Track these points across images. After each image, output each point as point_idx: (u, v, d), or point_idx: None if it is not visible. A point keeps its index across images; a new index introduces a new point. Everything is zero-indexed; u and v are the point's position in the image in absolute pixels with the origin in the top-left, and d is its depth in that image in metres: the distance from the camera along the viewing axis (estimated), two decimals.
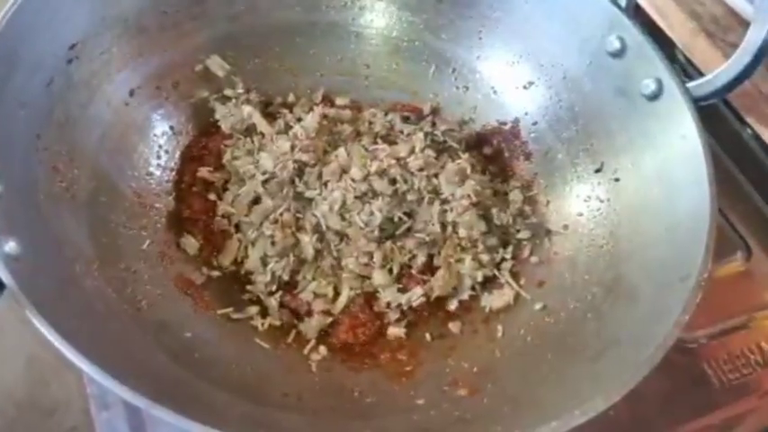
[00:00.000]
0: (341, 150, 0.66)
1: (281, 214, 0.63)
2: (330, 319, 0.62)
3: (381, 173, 0.64)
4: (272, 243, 0.63)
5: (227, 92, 0.71)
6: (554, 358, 0.57)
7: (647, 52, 0.62)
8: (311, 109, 0.70)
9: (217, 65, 0.71)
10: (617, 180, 0.65)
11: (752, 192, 0.78)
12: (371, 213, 0.63)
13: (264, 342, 0.60)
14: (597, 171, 0.66)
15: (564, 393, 0.51)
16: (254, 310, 0.62)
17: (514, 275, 0.66)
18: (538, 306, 0.63)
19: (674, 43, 0.71)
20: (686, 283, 0.51)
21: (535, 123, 0.72)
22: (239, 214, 0.65)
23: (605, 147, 0.66)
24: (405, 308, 0.63)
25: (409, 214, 0.65)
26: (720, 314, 0.68)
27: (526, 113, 0.72)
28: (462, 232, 0.64)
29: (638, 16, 0.69)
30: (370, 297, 0.63)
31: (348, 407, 0.56)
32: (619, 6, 0.64)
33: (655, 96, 0.61)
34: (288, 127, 0.69)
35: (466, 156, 0.69)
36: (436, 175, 0.66)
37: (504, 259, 0.66)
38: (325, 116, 0.69)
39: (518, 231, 0.67)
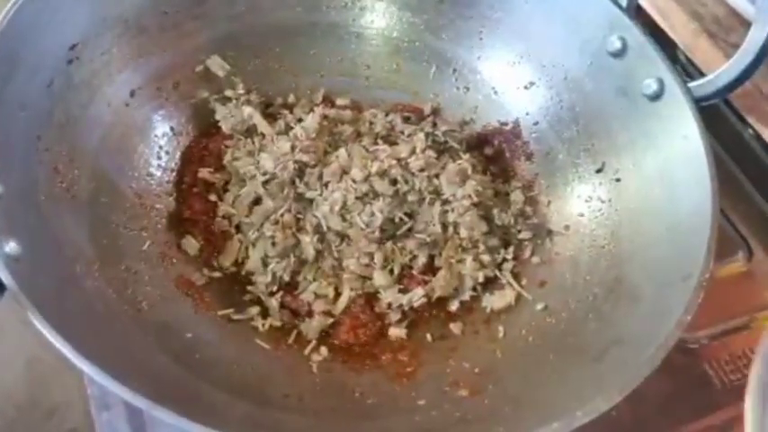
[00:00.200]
0: (341, 151, 0.66)
1: (282, 215, 0.63)
2: (331, 320, 0.62)
3: (382, 173, 0.64)
4: (273, 244, 0.62)
5: (228, 92, 0.71)
6: (555, 359, 0.57)
7: (649, 52, 0.62)
8: (312, 109, 0.70)
9: (217, 65, 0.71)
10: (618, 180, 0.65)
11: (753, 192, 0.77)
12: (372, 214, 0.63)
13: (265, 343, 0.60)
14: (598, 171, 0.66)
15: (565, 394, 0.51)
16: (254, 310, 0.62)
17: (516, 276, 0.66)
18: (539, 306, 0.63)
19: (676, 44, 0.70)
20: (688, 284, 0.51)
21: (536, 124, 0.72)
22: (240, 215, 0.65)
23: (606, 147, 0.66)
24: (406, 308, 0.63)
25: (410, 215, 0.65)
26: (722, 314, 0.68)
27: (527, 114, 0.72)
28: (463, 233, 0.64)
29: (639, 17, 0.69)
30: (371, 298, 0.63)
31: (349, 407, 0.56)
32: (620, 7, 0.64)
33: (656, 96, 0.61)
34: (288, 128, 0.69)
35: (467, 156, 0.69)
36: (437, 176, 0.66)
37: (505, 260, 0.66)
38: (325, 117, 0.68)
39: (519, 232, 0.67)
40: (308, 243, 0.63)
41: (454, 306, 0.64)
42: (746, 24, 0.62)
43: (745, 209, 0.76)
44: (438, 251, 0.65)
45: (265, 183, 0.64)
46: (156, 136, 0.68)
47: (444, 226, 0.64)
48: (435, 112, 0.75)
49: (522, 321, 0.62)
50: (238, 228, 0.65)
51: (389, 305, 0.63)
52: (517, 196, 0.69)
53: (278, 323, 0.61)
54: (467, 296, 0.64)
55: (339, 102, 0.75)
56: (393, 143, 0.69)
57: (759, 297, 0.71)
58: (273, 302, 0.62)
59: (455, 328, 0.63)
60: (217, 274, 0.63)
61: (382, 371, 0.60)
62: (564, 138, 0.69)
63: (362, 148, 0.67)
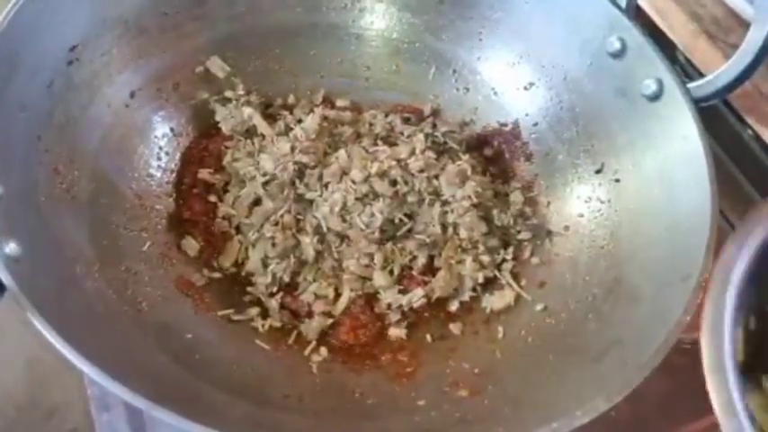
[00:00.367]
0: (341, 152, 0.66)
1: (282, 216, 0.63)
2: (331, 321, 0.62)
3: (382, 174, 0.64)
4: (273, 244, 0.62)
5: (228, 93, 0.71)
6: (555, 359, 0.57)
7: (648, 53, 0.62)
8: (312, 110, 0.70)
9: (217, 66, 0.71)
10: (618, 181, 0.65)
11: (752, 192, 0.77)
12: (372, 215, 0.63)
13: (265, 343, 0.60)
14: (598, 172, 0.66)
15: (565, 394, 0.51)
16: (254, 311, 0.62)
17: (515, 276, 0.66)
18: (539, 307, 0.63)
19: (675, 44, 0.70)
20: (687, 284, 0.51)
21: (536, 124, 0.72)
22: (240, 216, 0.65)
23: (606, 147, 0.66)
24: (405, 309, 0.63)
25: (410, 216, 0.65)
26: None
27: (527, 114, 0.72)
28: (463, 233, 0.64)
29: (638, 18, 0.69)
30: (371, 298, 0.63)
31: (349, 408, 0.56)
32: (619, 7, 0.64)
33: (655, 97, 0.61)
34: (288, 128, 0.69)
35: (466, 157, 0.69)
36: (437, 177, 0.66)
37: (504, 260, 0.66)
38: (325, 118, 0.69)
39: (519, 232, 0.67)
40: (308, 244, 0.63)
41: (454, 306, 0.64)
42: (745, 25, 0.62)
43: (745, 209, 0.75)
44: (438, 252, 0.65)
45: (265, 184, 0.64)
46: (156, 137, 0.68)
47: (444, 227, 0.65)
48: (435, 112, 0.75)
49: (521, 322, 0.62)
50: (238, 228, 0.65)
51: (389, 306, 0.63)
52: (517, 197, 0.69)
53: (278, 324, 0.61)
54: (466, 297, 0.64)
55: (339, 103, 0.75)
56: (393, 144, 0.69)
57: None
58: (273, 303, 0.62)
59: (455, 328, 0.63)
60: (217, 275, 0.63)
61: (382, 371, 0.60)
62: (563, 138, 0.69)
63: (362, 149, 0.67)
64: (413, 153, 0.67)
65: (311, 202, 0.64)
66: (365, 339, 0.61)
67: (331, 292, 0.63)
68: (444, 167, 0.67)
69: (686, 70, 0.72)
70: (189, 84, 0.70)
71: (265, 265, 0.63)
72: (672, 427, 0.61)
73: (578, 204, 0.67)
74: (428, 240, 0.64)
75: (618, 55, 0.64)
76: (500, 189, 0.70)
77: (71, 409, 0.93)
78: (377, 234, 0.63)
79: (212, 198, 0.67)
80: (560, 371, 0.55)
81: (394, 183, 0.64)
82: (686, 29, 0.69)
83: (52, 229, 0.55)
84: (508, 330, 0.62)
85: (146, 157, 0.66)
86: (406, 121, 0.73)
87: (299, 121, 0.70)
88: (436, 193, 0.66)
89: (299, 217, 0.64)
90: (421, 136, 0.69)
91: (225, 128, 0.70)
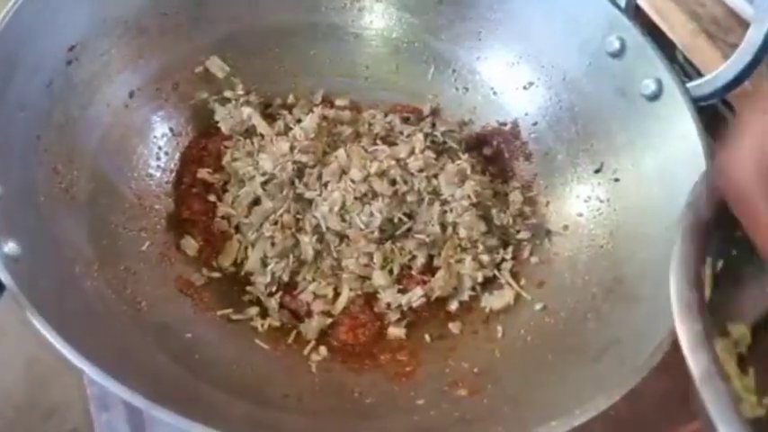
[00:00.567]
0: (340, 151, 0.66)
1: (281, 215, 0.63)
2: (330, 320, 0.62)
3: (381, 174, 0.64)
4: (272, 244, 0.63)
5: (227, 93, 0.71)
6: (554, 358, 0.57)
7: (647, 52, 0.62)
8: (311, 110, 0.70)
9: (216, 66, 0.71)
10: (617, 180, 0.65)
11: None
12: (371, 214, 0.63)
13: (264, 343, 0.60)
14: (597, 171, 0.66)
15: (564, 393, 0.51)
16: (253, 311, 0.62)
17: (514, 276, 0.66)
18: (538, 306, 0.63)
19: (674, 44, 0.71)
20: None
21: (535, 124, 0.72)
22: (239, 215, 0.65)
23: (605, 147, 0.66)
24: (405, 308, 0.63)
25: (409, 215, 0.65)
26: None
27: (526, 114, 0.72)
28: (462, 233, 0.64)
29: (637, 17, 0.69)
30: (371, 298, 0.63)
31: (348, 407, 0.56)
32: (618, 7, 0.64)
33: (655, 96, 0.61)
34: (287, 128, 0.69)
35: (466, 156, 0.69)
36: (436, 176, 0.66)
37: (504, 260, 0.66)
38: (324, 117, 0.69)
39: (518, 232, 0.67)
40: (308, 243, 0.63)
41: (453, 306, 0.64)
42: (745, 24, 0.62)
43: None
44: (437, 251, 0.65)
45: (264, 183, 0.64)
46: (155, 137, 0.68)
47: (443, 226, 0.65)
48: (434, 112, 0.75)
49: (520, 321, 0.62)
50: (237, 228, 0.65)
51: (388, 305, 0.63)
52: (516, 196, 0.69)
53: (277, 323, 0.61)
54: (466, 296, 0.64)
55: (338, 102, 0.75)
56: (392, 143, 0.69)
57: None
58: (273, 303, 0.62)
59: (454, 327, 0.63)
60: (216, 275, 0.63)
61: (381, 371, 0.60)
62: (563, 138, 0.69)
63: (361, 149, 0.67)
64: (412, 152, 0.67)
65: (310, 201, 0.64)
66: (364, 339, 0.61)
67: (330, 292, 0.63)
68: (443, 167, 0.67)
69: (685, 70, 0.72)
70: (188, 84, 0.70)
71: (265, 265, 0.63)
72: (670, 427, 0.61)
73: (578, 204, 0.67)
74: (427, 240, 0.64)
75: (617, 55, 0.64)
76: (499, 188, 0.70)
77: (70, 408, 0.93)
78: (376, 233, 0.63)
79: (211, 198, 0.67)
80: (559, 370, 0.55)
81: (393, 182, 0.65)
82: (685, 28, 0.69)
83: (51, 229, 0.55)
84: (507, 330, 0.62)
85: (145, 156, 0.67)
86: (406, 120, 0.73)
87: (299, 121, 0.70)
88: (435, 193, 0.66)
89: (299, 216, 0.64)
90: (420, 135, 0.69)
91: (224, 127, 0.70)
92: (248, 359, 0.58)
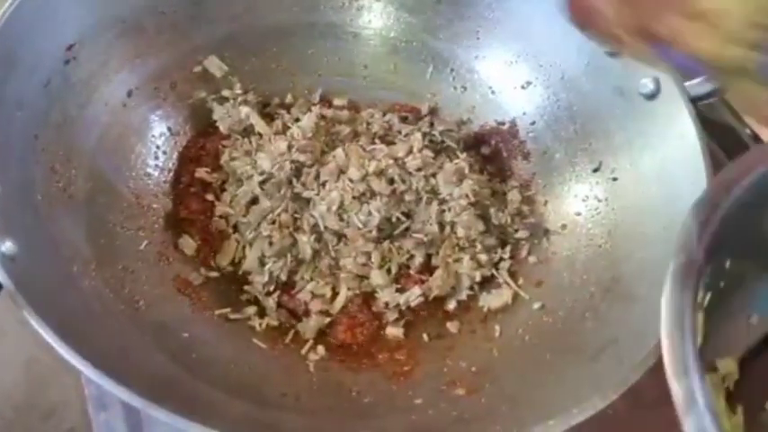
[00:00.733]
0: (339, 151, 0.66)
1: (279, 215, 0.63)
2: (328, 320, 0.62)
3: (379, 173, 0.64)
4: (270, 243, 0.63)
5: (225, 92, 0.71)
6: (552, 358, 0.57)
7: None
8: (309, 109, 0.70)
9: (215, 65, 0.71)
10: (615, 179, 0.65)
11: None
12: (369, 213, 0.63)
13: (262, 342, 0.60)
14: (595, 170, 0.66)
15: (562, 392, 0.50)
16: (251, 310, 0.62)
17: (513, 275, 0.66)
18: (536, 306, 0.63)
19: None
20: None
21: (533, 123, 0.72)
22: (237, 215, 0.65)
23: (603, 146, 0.66)
24: (403, 308, 0.63)
25: (407, 214, 0.65)
26: None
27: (524, 113, 0.72)
28: (460, 232, 0.64)
29: None
30: (369, 297, 0.63)
31: (346, 407, 0.56)
32: None
33: (653, 96, 0.61)
34: (285, 127, 0.69)
35: (464, 156, 0.69)
36: (434, 175, 0.66)
37: (502, 259, 0.66)
38: (322, 116, 0.69)
39: (516, 231, 0.67)
40: (306, 242, 0.63)
41: (451, 305, 0.64)
42: None
43: None
44: (435, 250, 0.65)
45: (262, 182, 0.64)
46: (153, 136, 0.68)
47: (441, 225, 0.65)
48: (432, 111, 0.75)
49: (518, 320, 0.62)
50: (235, 227, 0.65)
51: (386, 304, 0.63)
52: (514, 196, 0.69)
53: (275, 322, 0.61)
54: (464, 295, 0.64)
55: (336, 101, 0.75)
56: (390, 143, 0.69)
57: None
58: (270, 302, 0.62)
59: (452, 327, 0.63)
60: (214, 274, 0.63)
61: (379, 370, 0.60)
62: (561, 137, 0.69)
63: (360, 148, 0.67)
64: (410, 152, 0.67)
65: (308, 200, 0.64)
66: (362, 338, 0.61)
67: (328, 291, 0.63)
68: (442, 166, 0.67)
69: None
70: (186, 83, 0.70)
71: (262, 264, 0.63)
72: (668, 426, 0.61)
73: (576, 203, 0.67)
74: (425, 239, 0.64)
75: (615, 54, 0.64)
76: (497, 188, 0.70)
77: (69, 408, 0.93)
78: (374, 233, 0.63)
79: (209, 197, 0.67)
80: (557, 369, 0.55)
81: (391, 181, 0.64)
82: None
83: (49, 228, 0.55)
84: (505, 329, 0.62)
85: (143, 156, 0.66)
86: (404, 119, 0.73)
87: (297, 120, 0.70)
88: (433, 192, 0.66)
89: (297, 216, 0.64)
90: (418, 135, 0.69)
91: (222, 127, 0.70)
92: (246, 358, 0.58)
